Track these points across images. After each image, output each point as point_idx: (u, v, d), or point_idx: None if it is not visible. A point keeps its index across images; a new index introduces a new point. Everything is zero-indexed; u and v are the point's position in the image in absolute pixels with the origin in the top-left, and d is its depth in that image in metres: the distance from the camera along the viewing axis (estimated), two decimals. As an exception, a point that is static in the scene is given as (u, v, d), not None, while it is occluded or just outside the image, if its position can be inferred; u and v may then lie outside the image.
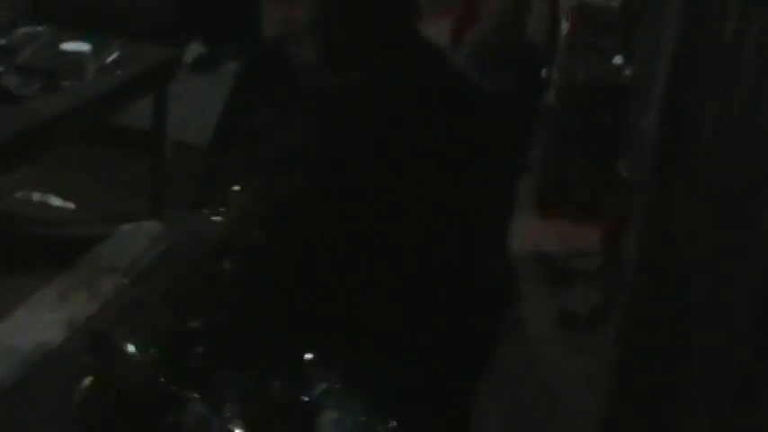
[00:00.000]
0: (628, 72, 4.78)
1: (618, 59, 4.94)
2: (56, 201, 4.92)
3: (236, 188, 2.24)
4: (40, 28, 4.66)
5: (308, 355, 2.08)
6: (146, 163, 4.91)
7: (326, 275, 2.14)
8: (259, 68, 2.40)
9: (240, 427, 1.98)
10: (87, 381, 2.08)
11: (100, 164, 5.19)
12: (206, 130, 6.02)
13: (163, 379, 2.04)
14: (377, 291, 2.13)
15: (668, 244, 3.26)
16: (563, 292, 4.55)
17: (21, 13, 5.17)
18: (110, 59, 4.45)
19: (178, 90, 4.98)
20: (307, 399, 2.02)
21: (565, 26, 4.95)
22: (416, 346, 2.13)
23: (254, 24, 7.28)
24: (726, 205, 2.80)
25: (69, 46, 4.39)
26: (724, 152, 2.83)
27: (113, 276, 4.30)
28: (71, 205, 4.91)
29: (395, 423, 2.02)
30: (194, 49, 7.04)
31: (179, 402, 2.01)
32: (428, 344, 2.13)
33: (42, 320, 3.99)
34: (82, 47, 4.38)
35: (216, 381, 2.04)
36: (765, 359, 2.26)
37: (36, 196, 4.92)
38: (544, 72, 4.58)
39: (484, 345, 2.22)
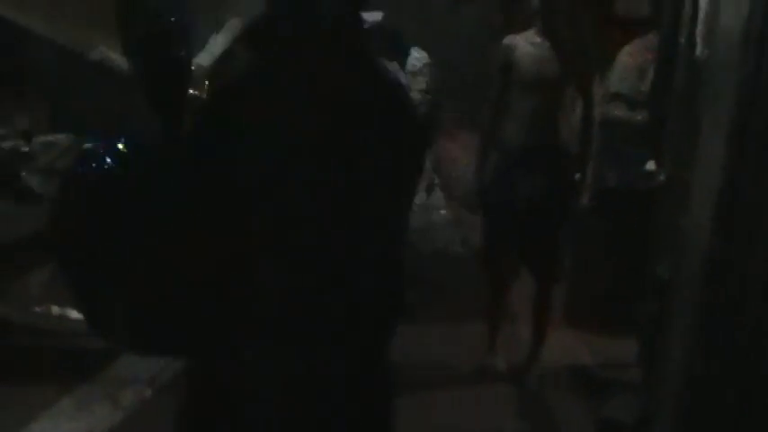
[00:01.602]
0: (661, 177, 4.73)
1: (650, 165, 4.89)
2: (74, 314, 4.81)
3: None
4: (60, 135, 4.65)
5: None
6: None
7: None
8: None
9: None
10: None
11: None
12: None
13: None
14: None
15: (716, 346, 3.18)
16: (604, 403, 4.41)
17: (40, 124, 5.19)
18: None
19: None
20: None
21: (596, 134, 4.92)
22: None
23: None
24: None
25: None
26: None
27: (135, 387, 4.17)
28: (90, 319, 4.80)
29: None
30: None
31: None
32: None
33: (62, 430, 3.86)
34: (101, 147, 4.31)
35: None
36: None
37: (55, 310, 4.82)
38: (576, 177, 4.53)
39: None
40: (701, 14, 3.93)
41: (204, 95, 5.80)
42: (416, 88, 6.96)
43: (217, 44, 6.47)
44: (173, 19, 2.02)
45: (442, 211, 6.26)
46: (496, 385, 4.64)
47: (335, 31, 2.03)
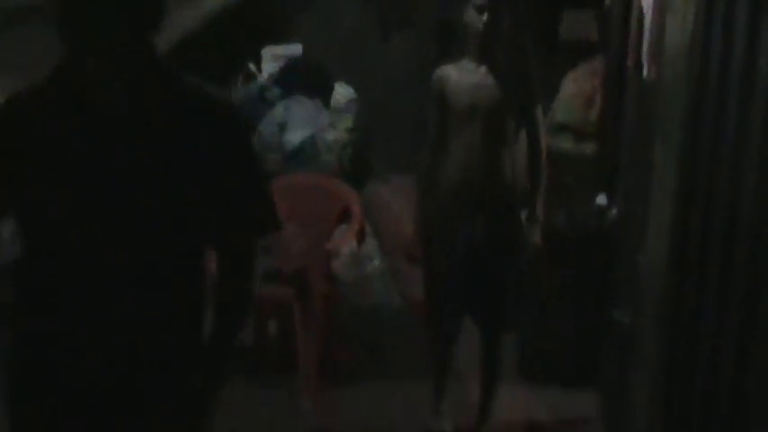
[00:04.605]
0: (613, 213, 4.79)
1: (600, 199, 4.95)
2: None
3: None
4: None
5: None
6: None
7: None
8: None
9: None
10: None
11: None
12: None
13: None
14: None
15: (682, 392, 3.21)
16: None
17: None
18: None
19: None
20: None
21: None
22: None
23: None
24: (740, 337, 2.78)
25: None
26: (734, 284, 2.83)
27: None
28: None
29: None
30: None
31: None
32: None
33: None
34: None
35: None
36: None
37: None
38: (524, 217, 4.57)
39: None
40: (646, 35, 4.01)
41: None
42: (342, 127, 7.00)
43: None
44: None
45: (376, 262, 6.25)
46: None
47: None
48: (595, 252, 4.87)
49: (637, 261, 3.84)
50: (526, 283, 4.98)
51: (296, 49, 7.42)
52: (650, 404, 3.44)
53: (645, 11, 4.08)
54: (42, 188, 2.30)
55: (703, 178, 3.07)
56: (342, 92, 7.20)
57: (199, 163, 2.32)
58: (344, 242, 5.53)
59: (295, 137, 6.76)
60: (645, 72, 4.02)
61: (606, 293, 4.68)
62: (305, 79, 7.18)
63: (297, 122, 6.82)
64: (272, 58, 7.37)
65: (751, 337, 2.71)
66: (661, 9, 3.70)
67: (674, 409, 3.25)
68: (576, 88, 5.96)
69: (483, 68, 4.41)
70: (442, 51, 7.08)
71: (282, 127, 6.85)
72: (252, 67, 7.40)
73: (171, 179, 2.30)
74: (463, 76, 4.43)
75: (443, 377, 4.75)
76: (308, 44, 7.47)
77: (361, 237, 5.65)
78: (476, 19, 4.39)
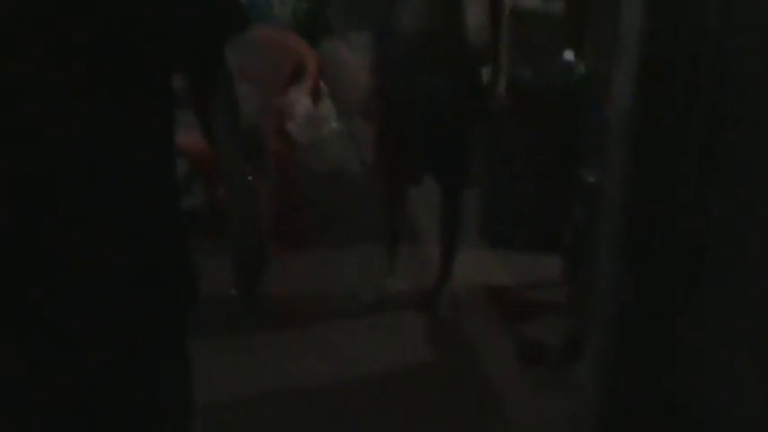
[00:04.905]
0: (581, 69, 4.73)
1: (568, 55, 4.89)
2: None
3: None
4: None
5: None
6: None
7: None
8: None
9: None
10: None
11: None
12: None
13: None
14: None
15: (648, 256, 3.20)
16: (526, 326, 4.45)
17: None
18: None
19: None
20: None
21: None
22: None
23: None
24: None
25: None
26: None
27: None
28: None
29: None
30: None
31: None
32: None
33: None
34: None
35: None
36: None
37: None
38: (484, 74, 4.50)
39: None
40: None
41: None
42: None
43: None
44: None
45: (333, 124, 6.17)
46: (402, 313, 4.65)
47: None
48: (562, 109, 4.83)
49: (603, 117, 3.81)
50: (489, 140, 4.94)
51: None
52: (615, 263, 3.42)
53: None
54: None
55: (669, 27, 3.02)
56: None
57: None
58: (298, 100, 5.42)
59: (246, -11, 6.61)
60: None
61: (572, 153, 4.66)
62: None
63: (248, -27, 6.66)
64: None
65: (709, 190, 2.72)
66: None
67: (639, 265, 3.25)
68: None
69: None
70: None
71: (233, -22, 6.69)
72: None
73: None
74: None
75: (396, 234, 4.74)
76: None
77: (316, 95, 5.54)
78: None
